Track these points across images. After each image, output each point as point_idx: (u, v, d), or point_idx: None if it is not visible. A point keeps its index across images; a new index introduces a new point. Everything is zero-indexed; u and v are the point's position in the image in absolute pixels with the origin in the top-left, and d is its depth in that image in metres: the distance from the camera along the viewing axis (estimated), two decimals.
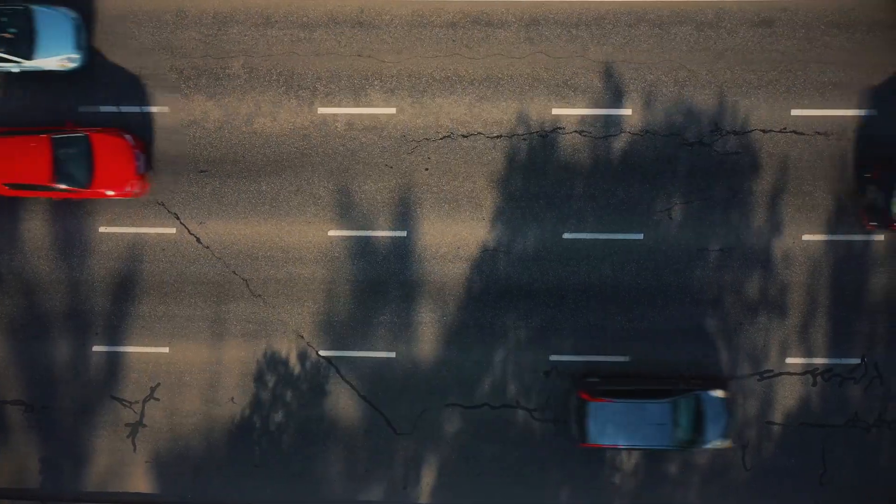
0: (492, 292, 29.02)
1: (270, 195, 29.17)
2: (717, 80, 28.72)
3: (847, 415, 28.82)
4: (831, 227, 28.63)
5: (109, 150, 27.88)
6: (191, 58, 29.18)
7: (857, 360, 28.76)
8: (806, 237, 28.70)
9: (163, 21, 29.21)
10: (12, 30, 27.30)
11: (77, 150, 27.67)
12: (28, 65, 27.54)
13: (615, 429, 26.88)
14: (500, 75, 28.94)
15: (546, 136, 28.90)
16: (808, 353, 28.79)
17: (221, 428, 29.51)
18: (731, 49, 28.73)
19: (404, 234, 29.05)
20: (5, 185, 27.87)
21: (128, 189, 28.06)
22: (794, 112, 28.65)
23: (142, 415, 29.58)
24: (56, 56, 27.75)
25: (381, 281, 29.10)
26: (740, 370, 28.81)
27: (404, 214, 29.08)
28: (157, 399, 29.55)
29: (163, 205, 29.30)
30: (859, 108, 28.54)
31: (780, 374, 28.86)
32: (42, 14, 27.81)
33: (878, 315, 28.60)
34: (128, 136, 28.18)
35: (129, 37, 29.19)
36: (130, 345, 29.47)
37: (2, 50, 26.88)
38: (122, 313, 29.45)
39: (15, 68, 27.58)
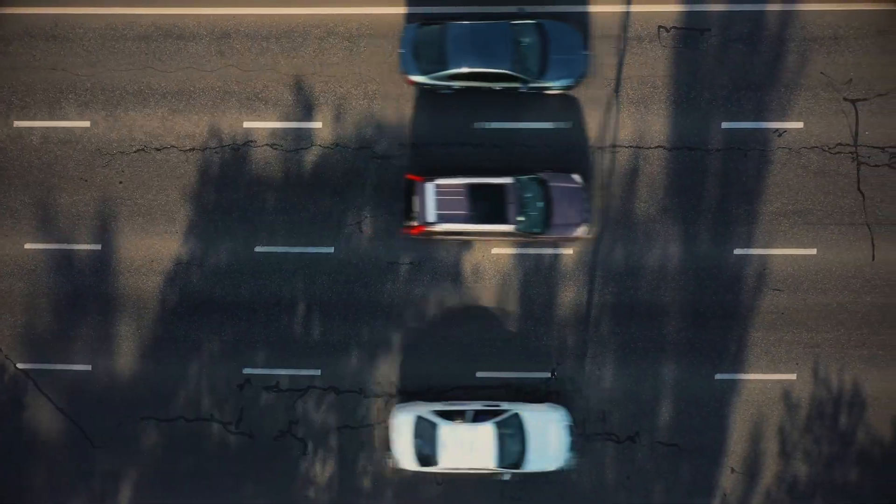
0: (185, 305, 29.01)
1: None
2: (406, 93, 28.59)
3: None
4: (521, 241, 28.48)
5: None
6: None
7: (546, 375, 28.63)
8: (496, 251, 28.57)
9: None
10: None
11: None
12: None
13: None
14: (192, 88, 28.92)
15: (238, 150, 28.87)
16: (499, 368, 28.65)
17: None
18: None
19: (99, 247, 29.07)
20: None
21: None
22: (476, 125, 28.48)
23: None
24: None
25: (77, 294, 29.13)
26: (443, 384, 28.71)
27: (99, 228, 29.09)
28: None
29: None
30: (553, 121, 28.40)
31: (471, 388, 28.72)
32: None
33: (567, 329, 28.46)
34: None
35: None
36: None
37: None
38: None
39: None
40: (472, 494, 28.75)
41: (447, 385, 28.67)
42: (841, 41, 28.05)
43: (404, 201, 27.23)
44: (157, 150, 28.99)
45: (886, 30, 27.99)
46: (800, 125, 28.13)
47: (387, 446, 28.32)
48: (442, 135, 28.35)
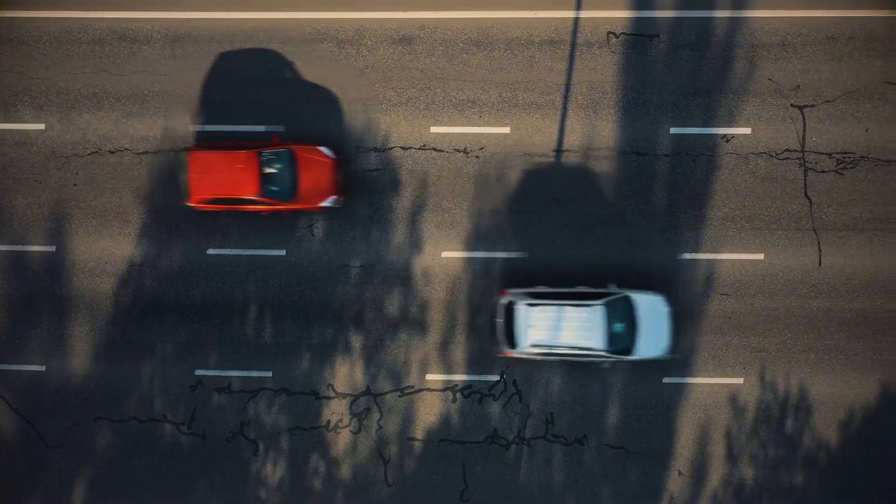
0: (138, 307, 29.24)
1: None
2: (358, 97, 28.82)
3: (487, 431, 28.92)
4: (470, 244, 28.70)
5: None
6: None
7: (496, 377, 28.84)
8: (445, 254, 28.79)
9: None
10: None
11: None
12: None
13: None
14: (145, 92, 29.13)
15: None
16: (449, 370, 28.89)
17: None
18: (371, 66, 28.83)
19: (53, 248, 29.30)
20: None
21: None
22: (434, 129, 28.73)
23: None
24: None
25: (31, 295, 29.36)
26: (382, 385, 28.94)
27: (53, 229, 29.32)
28: None
29: None
30: (492, 125, 28.60)
31: (421, 390, 28.97)
32: None
33: None
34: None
35: None
36: None
37: None
38: None
39: None
40: (423, 497, 28.98)
41: (394, 388, 28.91)
42: (789, 48, 28.23)
43: None
44: (111, 152, 29.22)
45: (834, 36, 28.16)
46: (747, 131, 28.32)
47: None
48: None
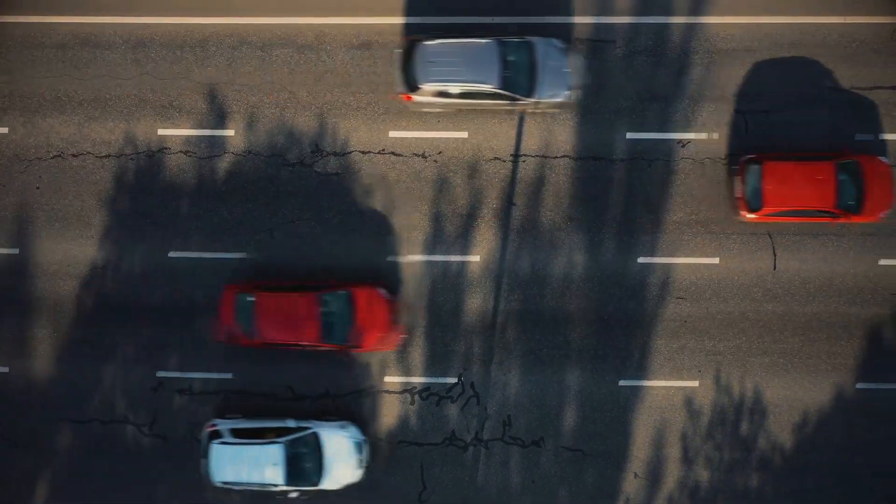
0: (100, 309, 29.49)
1: None
2: (318, 102, 29.10)
3: (445, 433, 29.19)
4: (429, 248, 28.96)
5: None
6: None
7: (454, 380, 29.11)
8: (406, 258, 29.04)
9: None
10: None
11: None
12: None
13: None
14: (107, 96, 29.40)
15: (153, 156, 29.36)
16: (407, 372, 29.15)
17: None
18: (330, 71, 29.10)
19: (17, 251, 29.56)
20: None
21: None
22: (392, 134, 28.98)
23: None
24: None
25: None
26: (341, 388, 29.21)
27: (16, 232, 29.59)
28: None
29: None
30: (450, 130, 28.85)
31: (380, 392, 29.23)
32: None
33: (474, 335, 28.94)
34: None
35: None
36: None
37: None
38: None
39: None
40: (382, 497, 29.26)
41: (354, 389, 29.19)
42: (745, 53, 28.46)
43: None
44: (74, 156, 29.49)
45: (789, 42, 28.41)
46: (703, 136, 28.56)
47: None
48: None
